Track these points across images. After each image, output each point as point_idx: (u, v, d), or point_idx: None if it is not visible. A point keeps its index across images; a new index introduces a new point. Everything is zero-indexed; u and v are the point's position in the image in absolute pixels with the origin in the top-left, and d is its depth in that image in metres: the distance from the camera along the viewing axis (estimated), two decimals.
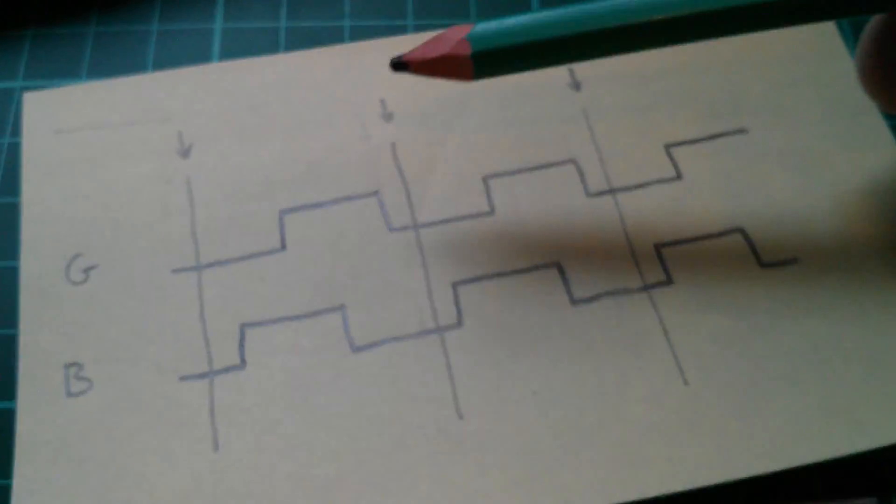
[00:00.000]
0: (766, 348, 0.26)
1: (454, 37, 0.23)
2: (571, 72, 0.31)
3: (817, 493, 0.25)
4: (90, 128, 0.29)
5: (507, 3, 0.32)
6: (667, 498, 0.24)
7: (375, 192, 0.28)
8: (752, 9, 0.22)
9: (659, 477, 0.24)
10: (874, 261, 0.27)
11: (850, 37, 0.32)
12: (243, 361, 0.25)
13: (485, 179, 0.29)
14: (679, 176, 0.29)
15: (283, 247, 0.27)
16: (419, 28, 0.32)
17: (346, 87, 0.30)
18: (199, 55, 0.31)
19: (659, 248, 0.27)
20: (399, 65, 0.24)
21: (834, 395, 0.25)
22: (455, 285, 0.27)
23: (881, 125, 0.30)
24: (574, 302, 0.26)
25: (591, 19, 0.23)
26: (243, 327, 0.26)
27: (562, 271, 0.27)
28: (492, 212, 0.28)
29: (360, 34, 0.32)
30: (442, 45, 0.24)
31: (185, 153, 0.29)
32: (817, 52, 0.31)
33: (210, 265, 0.27)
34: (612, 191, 0.28)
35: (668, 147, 0.29)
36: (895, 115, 0.27)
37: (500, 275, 0.27)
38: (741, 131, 0.30)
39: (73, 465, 0.24)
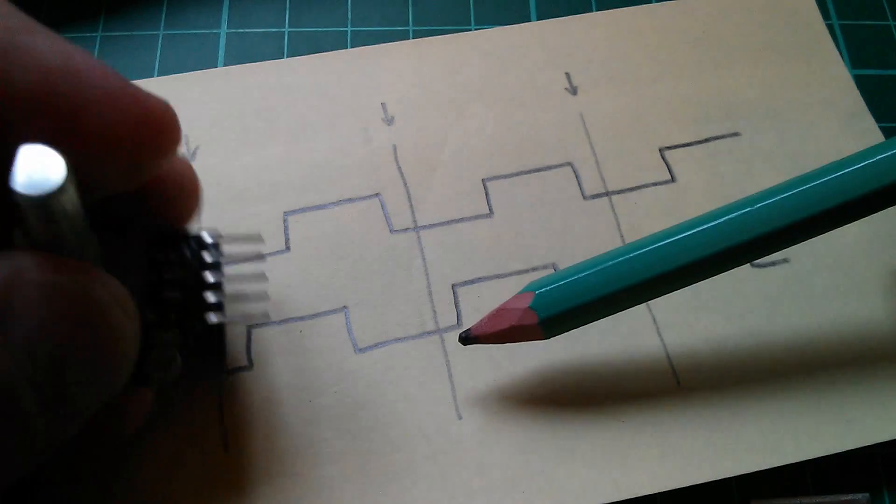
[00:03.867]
0: (758, 348, 0.26)
1: (519, 306, 0.24)
2: (568, 76, 0.31)
3: (809, 489, 0.25)
4: None
5: (505, 8, 0.33)
6: (661, 494, 0.25)
7: (377, 195, 0.29)
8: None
9: (652, 475, 0.24)
10: (864, 261, 0.28)
11: (842, 41, 0.32)
12: (250, 362, 0.26)
13: (484, 182, 0.29)
14: (673, 179, 0.29)
15: (287, 248, 0.28)
16: (419, 34, 0.32)
17: (349, 92, 0.30)
18: (205, 60, 0.31)
19: None
20: (468, 339, 0.25)
21: (824, 394, 0.26)
22: (454, 287, 0.27)
23: (873, 128, 0.30)
24: None
25: (648, 265, 0.23)
26: (250, 328, 0.26)
27: None
28: (490, 214, 0.29)
29: (361, 39, 0.32)
30: (508, 317, 0.24)
31: (190, 156, 0.29)
32: (809, 55, 0.32)
33: None
34: (607, 193, 0.29)
35: (662, 150, 0.30)
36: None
37: (498, 276, 0.27)
38: (734, 134, 0.30)
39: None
